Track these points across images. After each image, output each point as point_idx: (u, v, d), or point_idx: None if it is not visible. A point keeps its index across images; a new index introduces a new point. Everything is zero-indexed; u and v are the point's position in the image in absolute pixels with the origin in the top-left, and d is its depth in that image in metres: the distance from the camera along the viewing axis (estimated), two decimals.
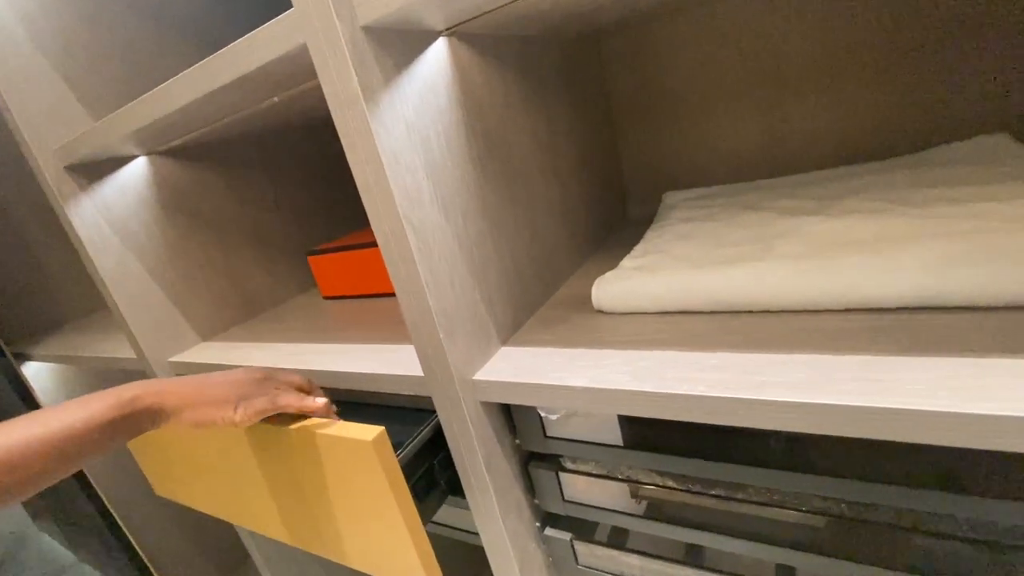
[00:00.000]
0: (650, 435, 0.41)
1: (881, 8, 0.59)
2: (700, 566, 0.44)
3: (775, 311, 0.40)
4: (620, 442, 0.42)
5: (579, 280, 0.59)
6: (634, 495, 0.45)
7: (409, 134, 0.38)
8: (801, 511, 0.37)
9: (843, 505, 0.36)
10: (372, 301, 0.72)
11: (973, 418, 0.25)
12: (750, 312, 0.41)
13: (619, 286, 0.47)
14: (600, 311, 0.49)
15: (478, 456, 0.43)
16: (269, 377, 0.46)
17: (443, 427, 0.44)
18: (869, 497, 0.34)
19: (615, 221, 0.78)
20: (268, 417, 0.45)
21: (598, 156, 0.72)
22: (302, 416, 0.46)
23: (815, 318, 0.38)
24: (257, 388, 0.44)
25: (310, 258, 0.76)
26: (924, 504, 0.33)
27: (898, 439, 0.27)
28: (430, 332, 0.40)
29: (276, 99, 0.54)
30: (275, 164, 0.88)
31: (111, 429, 0.39)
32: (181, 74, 0.45)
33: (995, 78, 0.57)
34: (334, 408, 0.47)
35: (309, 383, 0.48)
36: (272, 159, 0.87)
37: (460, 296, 0.42)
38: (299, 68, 0.42)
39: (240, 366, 0.50)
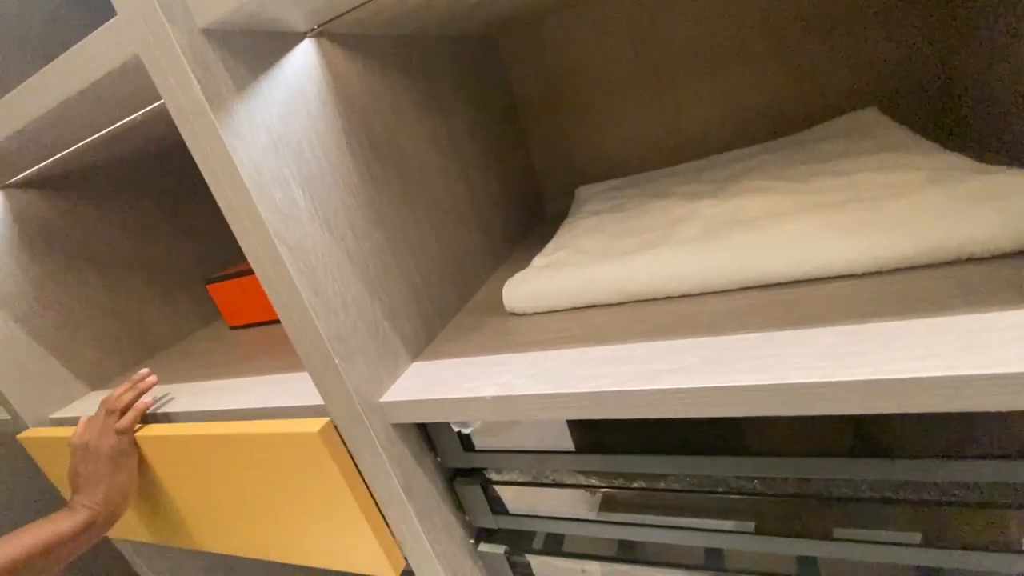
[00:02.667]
0: (591, 432, 0.40)
1: (756, 2, 0.61)
2: (633, 560, 0.43)
3: (676, 296, 0.40)
4: (568, 442, 0.41)
5: (497, 282, 0.57)
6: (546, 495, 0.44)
7: (275, 145, 0.34)
8: (718, 493, 0.37)
9: (755, 482, 0.36)
10: (282, 327, 0.67)
11: (843, 385, 0.26)
12: (654, 300, 0.41)
13: (528, 286, 0.46)
14: (513, 313, 0.47)
15: (395, 482, 0.41)
16: (92, 436, 0.51)
17: (353, 457, 0.41)
18: (779, 472, 0.35)
19: (533, 219, 0.77)
20: (206, 430, 0.48)
21: (507, 155, 0.71)
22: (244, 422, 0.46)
23: (714, 299, 0.38)
24: (99, 445, 0.50)
25: (209, 287, 0.70)
26: (829, 471, 0.33)
27: (781, 413, 0.27)
28: (324, 359, 0.37)
29: (138, 116, 0.49)
30: (164, 186, 0.80)
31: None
32: (6, 95, 0.39)
33: (870, 56, 0.60)
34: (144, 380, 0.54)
35: (117, 398, 0.53)
36: (161, 181, 0.80)
37: (357, 316, 0.39)
38: (149, 80, 0.38)
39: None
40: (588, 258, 0.46)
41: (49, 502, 0.62)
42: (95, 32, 0.32)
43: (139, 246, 0.74)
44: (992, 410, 0.24)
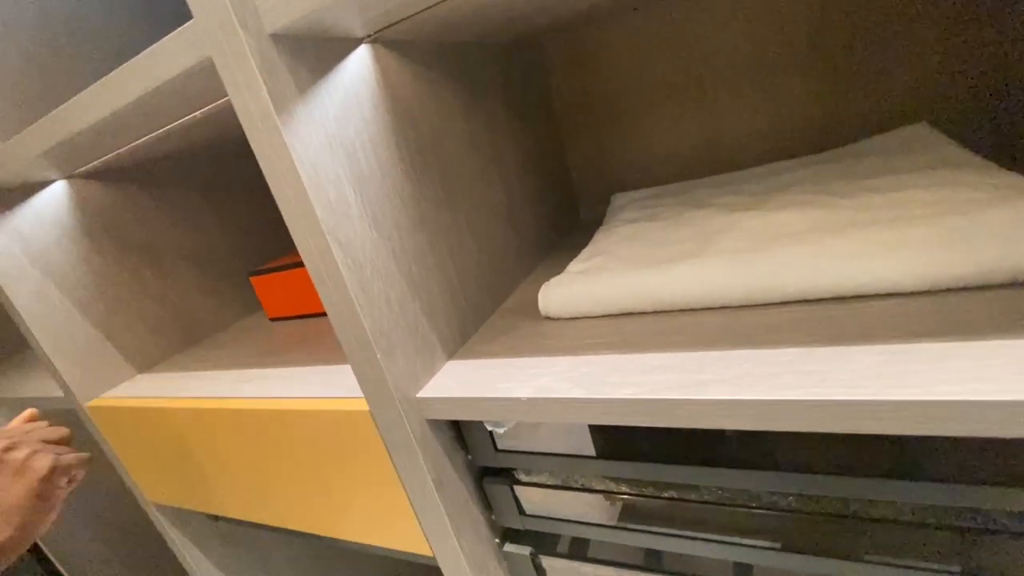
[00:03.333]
0: (615, 439, 0.40)
1: (807, 6, 0.61)
2: (660, 570, 0.43)
3: (716, 308, 0.40)
4: (591, 448, 0.41)
5: (531, 285, 0.58)
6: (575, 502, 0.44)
7: (331, 146, 0.36)
8: (752, 508, 0.37)
9: (791, 498, 0.36)
10: (319, 320, 0.70)
11: (890, 405, 0.25)
12: (692, 310, 0.41)
13: (564, 291, 0.46)
14: (548, 317, 0.48)
15: (427, 477, 0.42)
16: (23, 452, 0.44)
17: (387, 448, 0.42)
18: (814, 489, 0.34)
19: (567, 224, 0.77)
20: (258, 404, 0.49)
21: (544, 160, 0.72)
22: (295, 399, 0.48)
23: (754, 312, 0.38)
24: (32, 465, 0.43)
25: (252, 279, 0.73)
26: (865, 492, 0.33)
27: (824, 430, 0.27)
28: (366, 353, 0.38)
29: (198, 114, 0.51)
30: (213, 181, 0.84)
31: None
32: (84, 91, 0.42)
33: (921, 69, 0.59)
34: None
35: (59, 435, 0.48)
36: (210, 176, 0.83)
37: (399, 313, 0.40)
38: (213, 81, 0.40)
39: None
40: (626, 265, 0.46)
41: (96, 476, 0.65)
42: (172, 34, 0.34)
43: (190, 238, 0.78)
44: None
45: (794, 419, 0.28)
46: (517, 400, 0.37)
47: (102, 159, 0.62)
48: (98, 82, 0.40)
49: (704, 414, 0.30)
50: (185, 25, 0.33)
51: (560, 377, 0.37)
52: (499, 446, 0.44)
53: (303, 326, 0.69)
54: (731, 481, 0.37)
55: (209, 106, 0.49)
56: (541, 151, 0.71)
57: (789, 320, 0.36)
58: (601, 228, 0.62)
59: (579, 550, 0.48)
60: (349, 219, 0.37)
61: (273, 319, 0.75)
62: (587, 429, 0.40)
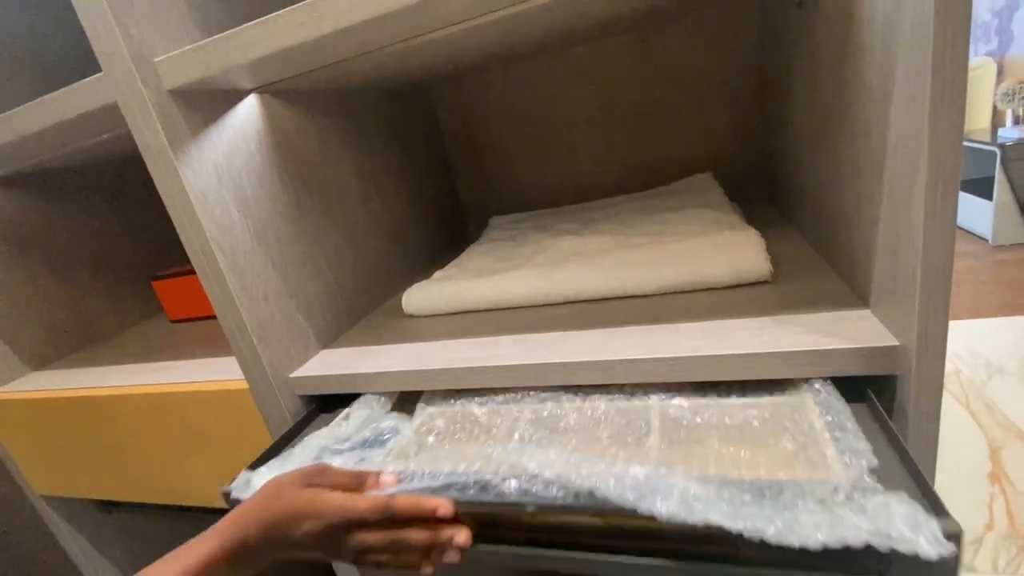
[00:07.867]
0: None
1: (635, 81, 0.78)
2: None
3: (526, 306, 0.54)
4: None
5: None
6: None
7: (219, 175, 0.46)
8: None
9: None
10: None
11: (592, 363, 0.39)
12: (510, 308, 0.54)
13: (421, 294, 0.58)
14: (410, 315, 0.59)
15: None
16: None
17: (265, 421, 0.52)
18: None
19: (457, 240, 0.90)
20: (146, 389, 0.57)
21: (433, 187, 0.84)
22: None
23: (549, 309, 0.52)
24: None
25: (155, 283, 0.79)
26: None
27: (546, 384, 0.41)
28: (245, 339, 0.48)
29: (106, 136, 0.59)
30: (120, 190, 0.88)
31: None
32: (7, 112, 0.48)
33: (719, 132, 0.78)
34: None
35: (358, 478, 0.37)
36: (116, 186, 0.88)
37: (275, 308, 0.50)
38: (119, 115, 0.49)
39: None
40: (470, 275, 0.59)
41: None
42: (83, 81, 0.43)
43: (93, 243, 0.82)
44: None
45: (542, 375, 0.41)
46: (364, 375, 0.48)
47: (9, 169, 0.67)
48: (19, 107, 0.47)
49: (487, 377, 0.43)
50: (96, 76, 0.42)
51: (398, 357, 0.48)
52: None
53: (201, 326, 0.76)
54: None
55: (114, 132, 0.57)
56: (429, 179, 0.83)
57: (566, 314, 0.49)
58: (471, 245, 0.75)
59: None
60: (232, 232, 0.46)
61: (174, 321, 0.81)
62: None
